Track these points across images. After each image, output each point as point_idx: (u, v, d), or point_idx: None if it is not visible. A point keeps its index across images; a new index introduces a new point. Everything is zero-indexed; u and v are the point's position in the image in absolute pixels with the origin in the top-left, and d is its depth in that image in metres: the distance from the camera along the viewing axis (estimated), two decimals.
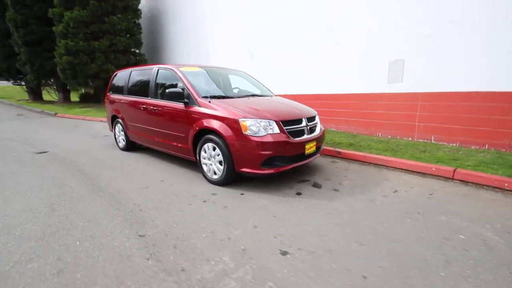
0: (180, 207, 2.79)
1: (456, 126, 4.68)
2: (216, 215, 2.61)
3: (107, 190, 3.27)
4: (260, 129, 3.04)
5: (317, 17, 6.62)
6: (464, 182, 3.41)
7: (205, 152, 3.45)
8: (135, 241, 2.17)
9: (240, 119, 3.06)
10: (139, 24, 14.11)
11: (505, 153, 4.12)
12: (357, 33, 5.88)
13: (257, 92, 4.38)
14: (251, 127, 3.03)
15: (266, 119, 3.09)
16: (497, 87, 4.19)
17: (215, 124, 3.22)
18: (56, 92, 16.56)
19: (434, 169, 3.67)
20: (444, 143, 4.84)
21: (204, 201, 2.94)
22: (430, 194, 3.07)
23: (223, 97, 3.68)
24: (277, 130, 3.10)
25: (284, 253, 2.00)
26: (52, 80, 16.24)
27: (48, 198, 3.02)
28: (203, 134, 3.43)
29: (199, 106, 3.46)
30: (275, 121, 3.11)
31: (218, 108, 3.31)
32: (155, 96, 4.22)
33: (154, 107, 4.13)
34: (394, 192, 3.15)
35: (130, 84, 4.89)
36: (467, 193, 3.11)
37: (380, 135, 5.71)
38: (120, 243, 2.13)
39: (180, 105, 3.71)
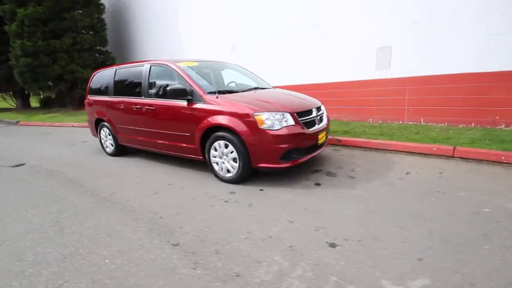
0: (203, 210, 2.64)
1: (444, 107, 4.97)
2: (245, 214, 2.50)
3: (114, 200, 3.00)
4: (276, 122, 2.95)
5: (302, 5, 6.60)
6: (464, 159, 3.63)
7: (216, 150, 3.29)
8: (171, 251, 2.01)
9: (254, 113, 2.95)
10: (103, 20, 13.11)
11: (490, 129, 4.46)
12: (343, 21, 5.96)
13: (255, 85, 4.27)
14: (267, 121, 2.93)
15: (281, 112, 3.01)
16: (480, 69, 4.50)
17: (227, 121, 3.08)
18: (13, 98, 14.94)
19: (435, 149, 3.87)
20: (434, 123, 5.13)
21: (226, 201, 2.81)
22: (440, 173, 3.23)
23: (228, 92, 3.52)
24: (292, 122, 3.04)
25: (333, 245, 1.97)
26: (7, 86, 14.62)
27: (49, 215, 2.70)
28: (213, 132, 3.27)
29: (206, 102, 3.27)
30: (290, 113, 3.04)
31: (227, 104, 3.16)
32: (149, 96, 3.93)
33: (150, 107, 3.85)
34: (407, 174, 3.27)
35: (116, 84, 4.51)
36: (472, 168, 3.32)
37: (371, 121, 5.91)
38: (156, 256, 1.96)
39: (181, 103, 3.49)
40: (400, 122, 5.51)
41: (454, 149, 3.73)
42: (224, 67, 4.47)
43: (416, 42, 5.05)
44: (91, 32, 12.25)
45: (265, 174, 3.44)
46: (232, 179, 3.24)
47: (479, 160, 3.52)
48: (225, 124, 3.08)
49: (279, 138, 2.92)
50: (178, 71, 3.59)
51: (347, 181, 3.15)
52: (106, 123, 4.81)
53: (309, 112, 3.33)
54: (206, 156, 3.43)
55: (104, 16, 13.48)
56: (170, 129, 3.70)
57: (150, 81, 3.93)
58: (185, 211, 2.65)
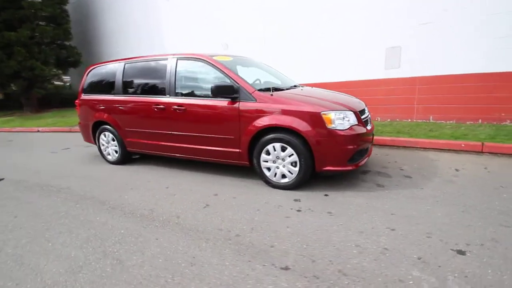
0: (281, 223, 2.31)
1: (452, 106, 5.24)
2: (334, 224, 2.24)
3: (160, 218, 2.50)
4: (344, 121, 2.74)
5: (308, 3, 6.51)
6: (493, 153, 3.81)
7: (269, 154, 2.96)
8: (287, 277, 1.66)
9: (322, 112, 2.70)
10: (66, 11, 11.64)
11: (499, 125, 4.80)
12: (354, 22, 5.99)
13: (280, 83, 3.99)
14: (336, 120, 2.70)
15: (346, 110, 2.81)
16: (486, 69, 4.82)
17: (289, 120, 2.77)
18: None
19: (463, 145, 4.01)
20: (442, 121, 5.38)
21: (299, 211, 2.51)
22: (485, 168, 3.32)
23: (275, 89, 3.21)
24: (355, 121, 2.85)
25: (462, 252, 1.81)
26: None
27: (86, 244, 2.13)
28: (266, 134, 2.94)
29: (259, 101, 2.93)
30: (354, 112, 2.85)
31: (287, 102, 2.85)
32: (176, 94, 3.43)
33: (179, 107, 3.35)
34: (457, 171, 3.30)
35: (126, 80, 3.89)
36: (511, 162, 3.48)
37: (379, 119, 6.02)
38: (270, 284, 1.61)
39: (223, 102, 3.10)
40: (409, 120, 5.70)
41: (482, 145, 3.90)
42: (250, 63, 4.12)
43: (426, 43, 5.26)
44: (52, 25, 10.75)
45: (316, 178, 3.20)
46: (287, 185, 2.94)
47: (508, 155, 3.73)
48: (286, 125, 2.77)
49: (348, 138, 2.71)
50: (219, 66, 3.17)
51: (406, 181, 3.06)
52: (109, 127, 4.13)
53: (364, 111, 3.18)
54: (254, 161, 3.08)
55: (68, 7, 11.99)
56: (207, 131, 3.26)
57: (178, 77, 3.43)
58: (260, 225, 2.29)
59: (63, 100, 12.60)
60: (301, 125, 2.73)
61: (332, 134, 2.69)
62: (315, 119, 2.70)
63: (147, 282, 1.68)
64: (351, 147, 2.74)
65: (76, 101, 4.57)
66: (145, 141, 3.82)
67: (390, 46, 5.65)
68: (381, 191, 2.84)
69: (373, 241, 1.99)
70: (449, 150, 4.09)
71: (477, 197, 2.60)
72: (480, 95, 4.94)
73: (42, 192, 3.31)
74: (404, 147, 4.41)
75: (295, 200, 2.74)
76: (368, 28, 5.83)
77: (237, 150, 3.14)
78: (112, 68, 4.09)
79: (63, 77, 12.77)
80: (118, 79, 3.94)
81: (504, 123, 4.82)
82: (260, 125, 2.89)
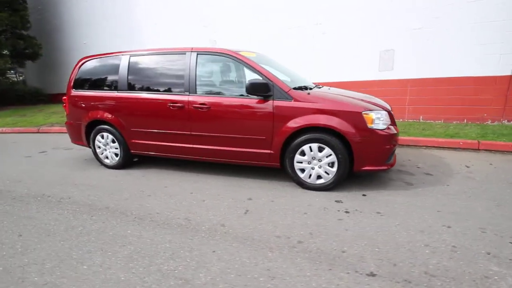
0: (338, 226, 2.23)
1: (440, 106, 5.64)
2: (391, 224, 2.22)
3: (202, 227, 2.26)
4: (382, 121, 2.75)
5: (304, 4, 6.53)
6: (489, 151, 4.17)
7: (304, 155, 2.87)
8: (381, 283, 1.59)
9: (363, 112, 2.68)
10: None
11: (482, 124, 5.28)
12: (349, 25, 6.15)
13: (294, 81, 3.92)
14: (376, 120, 2.71)
15: (382, 111, 2.82)
16: (472, 73, 5.27)
17: (328, 120, 2.70)
18: None
19: (461, 143, 4.33)
20: (431, 121, 5.77)
21: (347, 212, 2.46)
22: (491, 164, 3.61)
23: (305, 88, 3.12)
24: (389, 121, 2.89)
25: None
26: None
27: (132, 264, 1.82)
28: (301, 134, 2.84)
29: (295, 100, 2.81)
30: (388, 112, 2.88)
31: (324, 101, 2.79)
32: (196, 91, 3.16)
33: (201, 105, 3.10)
34: (468, 167, 3.53)
35: (133, 75, 3.49)
36: (510, 158, 3.83)
37: None
38: None
39: (252, 101, 2.93)
40: (401, 120, 6.02)
41: (479, 143, 4.25)
42: (267, 61, 3.96)
43: (418, 47, 5.59)
44: (7, 10, 9.38)
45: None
46: (323, 186, 2.88)
47: (502, 151, 4.11)
48: (327, 125, 2.70)
49: (387, 138, 2.74)
50: (249, 62, 2.98)
51: (429, 178, 3.19)
52: (109, 127, 3.68)
53: (390, 112, 3.24)
54: (286, 162, 2.97)
55: None
56: (235, 132, 3.05)
57: (198, 73, 3.16)
58: (317, 229, 2.19)
59: (19, 98, 11.10)
60: (343, 125, 2.68)
61: (373, 133, 2.69)
62: (357, 118, 2.68)
63: None
64: (388, 146, 2.77)
65: (64, 97, 4.00)
66: (155, 143, 3.47)
67: (384, 49, 5.92)
68: (413, 189, 2.92)
69: (438, 240, 2.02)
70: (449, 148, 4.40)
71: (501, 190, 2.80)
72: (465, 97, 5.40)
73: (39, 204, 2.82)
74: (407, 145, 4.64)
75: (337, 201, 2.69)
76: (363, 31, 6.03)
77: (268, 151, 2.99)
78: (113, 61, 3.64)
79: (19, 70, 11.25)
80: (122, 74, 3.52)
81: (486, 122, 5.33)
82: (298, 125, 2.78)
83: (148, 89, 3.43)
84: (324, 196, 2.80)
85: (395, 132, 2.85)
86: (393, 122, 2.94)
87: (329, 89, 3.42)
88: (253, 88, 2.78)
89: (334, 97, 2.89)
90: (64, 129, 7.11)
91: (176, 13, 8.49)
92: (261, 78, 2.88)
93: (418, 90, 5.73)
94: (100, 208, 2.70)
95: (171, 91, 3.29)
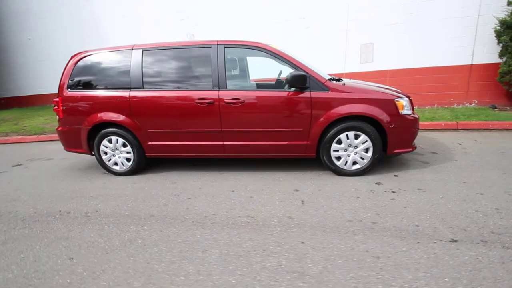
0: (395, 205, 2.41)
1: (415, 93, 6.31)
2: (437, 198, 2.48)
3: (271, 222, 2.25)
4: (408, 107, 3.03)
5: (291, 1, 6.65)
6: (466, 129, 4.86)
7: (340, 143, 3.00)
8: (468, 246, 1.79)
9: (395, 99, 2.90)
10: None
11: (451, 108, 6.08)
12: (332, 20, 6.46)
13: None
14: (406, 106, 2.96)
15: (406, 97, 3.09)
16: (441, 63, 6.02)
17: (366, 108, 2.87)
18: None
19: (443, 125, 4.96)
20: None
21: (393, 192, 2.66)
22: (476, 140, 4.22)
23: (335, 79, 3.23)
24: (411, 107, 3.18)
25: None
26: None
27: (239, 270, 1.74)
28: (338, 123, 2.95)
29: (332, 91, 2.91)
30: (409, 99, 3.17)
31: (360, 90, 2.96)
32: (225, 86, 3.05)
33: (234, 100, 3.00)
34: (460, 144, 4.07)
35: (149, 72, 3.19)
36: (488, 134, 4.49)
37: None
38: (467, 255, 1.72)
39: (289, 93, 2.96)
40: None
41: (457, 123, 4.91)
42: None
43: (395, 41, 6.16)
44: None
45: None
46: (359, 171, 3.06)
47: (477, 129, 4.81)
48: (365, 113, 2.86)
49: (414, 122, 3.02)
50: (282, 55, 2.98)
51: (437, 156, 3.60)
52: (119, 130, 3.33)
53: None
54: (322, 152, 3.07)
55: None
56: (271, 126, 3.03)
57: (227, 67, 3.05)
58: (379, 210, 2.33)
59: None
60: (378, 112, 2.88)
61: (403, 119, 2.95)
62: (390, 106, 2.90)
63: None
64: (414, 130, 3.06)
65: (56, 99, 3.48)
66: (179, 143, 3.26)
67: (364, 43, 6.38)
68: (431, 166, 3.28)
69: (481, 205, 2.33)
70: (433, 130, 4.99)
71: (498, 160, 3.31)
72: (435, 84, 6.16)
73: (64, 222, 2.45)
74: None
75: (377, 183, 2.89)
76: (345, 26, 6.41)
77: (306, 143, 3.06)
78: (121, 57, 3.28)
79: None
80: (136, 71, 3.20)
81: (453, 106, 6.16)
82: (337, 115, 2.89)
83: (168, 86, 3.19)
84: (363, 180, 2.98)
85: (418, 116, 3.16)
86: (412, 108, 3.25)
87: (350, 80, 3.61)
88: (294, 80, 2.81)
89: (365, 87, 3.07)
90: (26, 138, 6.20)
91: (148, 4, 7.90)
92: (297, 70, 2.91)
93: (396, 80, 6.34)
94: (144, 217, 2.47)
95: (197, 87, 3.12)
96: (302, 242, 1.97)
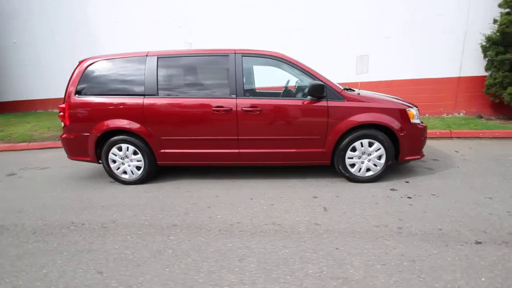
0: (414, 210, 2.51)
1: None
2: (451, 202, 2.60)
3: (300, 228, 2.26)
4: (418, 116, 3.18)
5: (289, 12, 6.84)
6: (459, 138, 5.14)
7: (354, 150, 3.09)
8: (491, 247, 1.89)
9: (407, 109, 3.05)
10: None
11: (441, 117, 6.41)
12: (329, 32, 6.71)
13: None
14: (416, 115, 3.11)
15: (415, 107, 3.25)
16: (430, 75, 6.37)
17: (378, 118, 2.99)
18: None
19: (438, 133, 5.22)
20: None
21: (410, 197, 2.76)
22: (470, 148, 4.47)
23: (349, 89, 3.34)
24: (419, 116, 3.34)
25: None
26: None
27: (311, 280, 1.73)
28: (353, 131, 3.05)
29: (348, 100, 3.01)
30: (417, 109, 3.32)
31: (374, 100, 3.09)
32: (243, 94, 3.07)
33: (251, 108, 3.02)
34: (457, 152, 4.29)
35: (164, 79, 3.16)
36: (480, 142, 4.77)
37: None
38: (491, 255, 1.81)
39: (307, 102, 3.03)
40: None
41: (451, 132, 5.19)
42: None
43: (388, 53, 6.47)
44: None
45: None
46: (371, 178, 3.16)
47: (469, 137, 5.10)
48: (380, 121, 2.98)
49: (423, 130, 3.17)
50: (300, 65, 3.07)
51: (439, 163, 3.77)
52: (130, 138, 3.25)
53: None
54: (337, 159, 3.14)
55: None
56: (288, 134, 3.08)
57: (245, 75, 3.08)
58: (400, 215, 2.42)
59: None
60: (392, 121, 3.01)
61: (414, 127, 3.09)
62: (402, 115, 3.03)
63: None
64: (423, 138, 3.21)
65: (62, 105, 3.35)
66: (194, 151, 3.22)
67: (360, 55, 6.65)
68: (437, 173, 3.44)
69: (493, 208, 2.47)
70: (429, 138, 5.23)
71: (495, 166, 3.53)
72: (427, 95, 6.49)
73: (82, 235, 2.34)
74: None
75: (392, 189, 2.99)
76: (342, 38, 6.66)
77: (321, 150, 3.12)
78: (134, 64, 3.23)
79: None
80: (150, 77, 3.15)
81: (442, 115, 6.50)
82: (354, 123, 2.99)
83: (184, 93, 3.17)
84: (377, 187, 3.07)
85: (426, 125, 3.32)
86: (419, 117, 3.42)
87: (360, 90, 3.75)
88: (313, 89, 2.89)
89: (379, 96, 3.21)
90: (15, 146, 5.88)
91: (143, 10, 7.84)
92: (315, 80, 3.00)
93: (390, 90, 6.60)
94: (167, 227, 2.40)
95: (214, 95, 3.12)
96: (337, 248, 1.99)
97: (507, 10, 5.21)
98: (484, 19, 5.66)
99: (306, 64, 3.15)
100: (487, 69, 5.72)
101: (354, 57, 6.69)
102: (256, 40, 7.14)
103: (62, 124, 3.44)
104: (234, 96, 3.08)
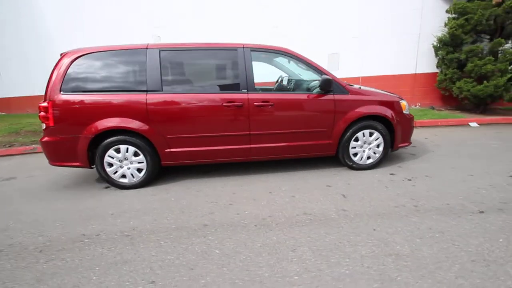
0: (419, 190, 2.83)
1: None
2: (446, 182, 3.01)
3: (344, 215, 2.39)
4: (408, 108, 3.54)
5: (263, 9, 6.88)
6: (422, 127, 5.84)
7: (357, 140, 3.33)
8: (492, 215, 2.27)
9: (400, 101, 3.38)
10: None
11: (421, 109, 7.17)
12: (302, 31, 6.97)
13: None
14: (407, 107, 3.46)
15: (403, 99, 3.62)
16: (393, 72, 7.09)
17: (378, 109, 3.27)
18: None
19: None
20: None
21: (409, 180, 3.09)
22: (436, 135, 5.13)
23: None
24: None
25: None
26: None
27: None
28: (355, 123, 3.27)
29: (351, 93, 3.22)
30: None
31: (373, 93, 3.38)
32: (254, 89, 3.05)
33: (263, 103, 3.02)
34: (426, 139, 4.90)
35: (168, 73, 2.95)
36: (440, 130, 5.49)
37: None
38: (490, 222, 2.16)
39: (316, 96, 3.17)
40: None
41: (415, 122, 5.87)
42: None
43: (357, 51, 7.01)
44: None
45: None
46: (372, 165, 3.44)
47: (431, 126, 5.84)
48: (377, 113, 3.25)
49: (412, 120, 3.57)
50: (305, 59, 3.16)
51: (417, 149, 4.28)
52: (130, 138, 2.98)
53: None
54: (341, 150, 3.34)
55: None
56: (299, 127, 3.17)
57: (254, 70, 3.05)
58: (411, 195, 2.72)
59: None
60: (389, 112, 3.32)
61: (406, 117, 3.46)
62: (397, 106, 3.37)
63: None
64: (412, 126, 3.61)
65: (44, 103, 2.89)
66: (203, 149, 3.10)
67: (331, 52, 7.08)
68: (420, 157, 3.90)
69: (479, 184, 2.92)
70: None
71: (461, 150, 4.14)
72: (389, 90, 7.19)
73: (103, 246, 2.09)
74: None
75: (391, 174, 3.31)
76: (314, 37, 6.99)
77: (328, 142, 3.29)
78: (131, 57, 2.95)
79: None
80: (153, 72, 2.91)
81: (417, 107, 7.32)
82: (359, 114, 3.21)
83: (190, 89, 3.01)
84: (378, 173, 3.37)
85: (413, 116, 3.72)
86: None
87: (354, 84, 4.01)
88: (325, 84, 3.02)
89: (375, 90, 3.49)
90: None
91: (106, 2, 7.10)
92: (322, 75, 3.13)
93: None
94: (198, 228, 2.30)
95: (224, 90, 3.03)
96: (374, 229, 2.16)
97: (454, 15, 6.09)
98: (434, 22, 6.54)
99: (311, 59, 3.28)
100: (438, 66, 6.63)
101: (326, 54, 7.10)
102: (229, 36, 7.06)
103: (44, 125, 2.99)
104: (245, 91, 3.05)
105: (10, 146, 5.36)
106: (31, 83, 7.69)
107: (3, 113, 8.30)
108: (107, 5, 7.21)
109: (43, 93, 2.97)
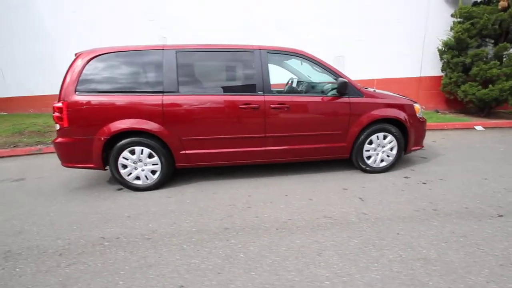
0: (435, 194, 2.84)
1: None
2: (460, 185, 3.01)
3: (365, 218, 2.39)
4: (420, 111, 3.56)
5: (268, 9, 6.90)
6: (428, 130, 5.84)
7: (371, 143, 3.33)
8: (510, 218, 2.28)
9: (414, 104, 3.39)
10: None
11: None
12: (309, 33, 6.98)
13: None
14: (420, 110, 3.47)
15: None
16: (398, 75, 7.13)
17: (393, 112, 3.27)
18: None
19: None
20: None
21: (424, 183, 3.10)
22: (443, 138, 5.16)
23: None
24: None
25: None
26: None
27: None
28: (369, 126, 3.27)
29: (365, 96, 3.22)
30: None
31: (385, 97, 3.37)
32: (270, 91, 3.04)
33: (280, 105, 3.01)
34: (434, 142, 4.92)
35: (185, 74, 2.93)
36: (446, 133, 5.53)
37: None
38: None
39: (332, 98, 3.18)
40: None
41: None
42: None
43: (361, 54, 7.04)
44: None
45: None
46: (385, 168, 3.44)
47: (439, 130, 5.87)
48: (392, 116, 3.26)
49: (424, 124, 3.58)
50: (321, 62, 3.18)
51: (426, 152, 4.29)
52: (145, 139, 2.95)
53: None
54: (355, 152, 3.34)
55: None
56: (314, 129, 3.16)
57: (268, 72, 3.04)
58: (429, 199, 2.72)
59: None
60: (402, 115, 3.32)
61: (419, 121, 3.47)
62: (411, 110, 3.38)
63: None
64: (425, 129, 3.62)
65: (58, 104, 2.86)
66: (218, 151, 3.08)
67: (337, 55, 7.10)
68: (431, 160, 3.91)
69: (494, 187, 2.94)
70: None
71: (472, 153, 4.16)
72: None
73: (125, 249, 2.06)
74: None
75: (405, 177, 3.31)
76: (320, 40, 7.01)
77: (342, 144, 3.29)
78: (147, 58, 2.93)
79: None
80: (170, 73, 2.89)
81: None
82: (374, 117, 3.22)
83: (207, 90, 3.00)
84: (392, 176, 3.37)
85: (426, 119, 3.73)
86: None
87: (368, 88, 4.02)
88: (342, 87, 3.02)
89: (389, 93, 3.49)
90: None
91: (112, 2, 7.05)
92: (338, 78, 3.14)
93: None
94: (219, 231, 2.27)
95: (240, 91, 3.02)
96: (398, 233, 2.16)
97: (459, 19, 6.14)
98: (440, 26, 6.59)
99: (326, 62, 3.28)
100: (443, 70, 6.68)
101: (332, 57, 7.11)
102: (234, 38, 7.06)
103: (57, 126, 2.95)
104: (262, 93, 3.04)
105: (14, 146, 5.30)
106: (32, 83, 7.62)
107: (5, 113, 8.20)
108: (113, 4, 7.16)
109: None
